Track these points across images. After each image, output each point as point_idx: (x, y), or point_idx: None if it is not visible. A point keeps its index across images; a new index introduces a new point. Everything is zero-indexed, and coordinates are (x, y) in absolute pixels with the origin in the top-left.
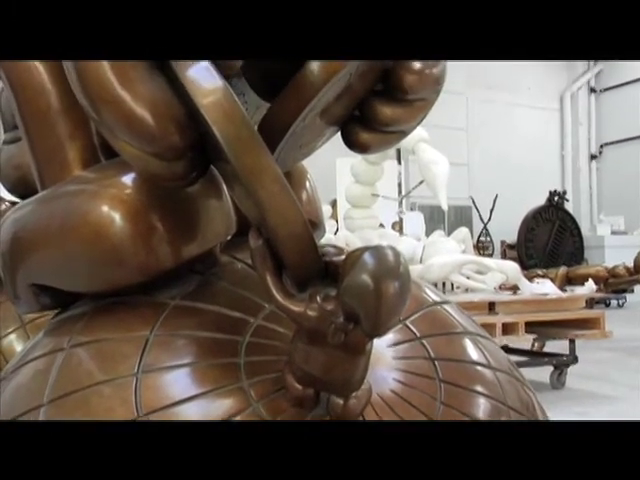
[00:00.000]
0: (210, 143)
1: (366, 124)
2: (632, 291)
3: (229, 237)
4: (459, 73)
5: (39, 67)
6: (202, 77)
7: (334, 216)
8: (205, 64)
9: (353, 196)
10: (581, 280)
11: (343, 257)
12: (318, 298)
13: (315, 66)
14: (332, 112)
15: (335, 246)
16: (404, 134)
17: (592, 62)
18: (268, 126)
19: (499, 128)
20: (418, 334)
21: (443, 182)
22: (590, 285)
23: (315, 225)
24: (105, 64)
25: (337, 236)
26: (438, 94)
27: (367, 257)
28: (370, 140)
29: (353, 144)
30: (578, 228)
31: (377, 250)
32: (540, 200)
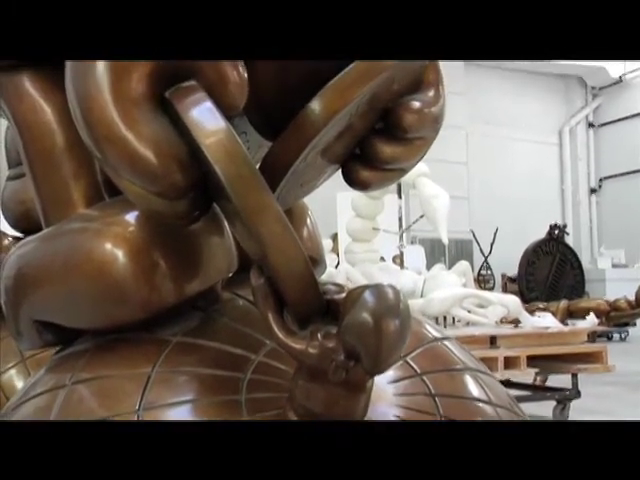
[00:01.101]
0: (212, 182)
1: (366, 162)
2: (634, 324)
3: (231, 274)
4: (459, 108)
5: (45, 107)
6: (205, 118)
7: (335, 250)
8: (208, 105)
9: (354, 230)
10: (582, 313)
11: (344, 295)
12: (319, 336)
13: (316, 106)
14: (333, 151)
15: (336, 284)
16: (404, 171)
17: (590, 97)
18: (270, 165)
19: (499, 162)
20: (419, 370)
21: (443, 216)
22: (592, 319)
23: (316, 261)
24: (111, 105)
25: (338, 270)
26: (437, 132)
27: (367, 295)
28: (370, 178)
29: (354, 182)
30: (579, 261)
31: (377, 288)
32: (540, 233)
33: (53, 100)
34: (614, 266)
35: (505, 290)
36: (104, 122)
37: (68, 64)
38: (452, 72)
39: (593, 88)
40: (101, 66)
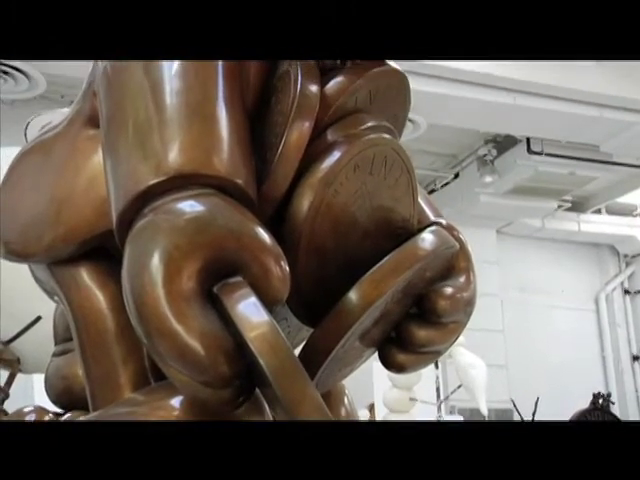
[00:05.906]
0: (256, 371)
1: (402, 345)
2: None
3: None
4: (492, 276)
5: (99, 295)
6: (250, 312)
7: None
8: (253, 300)
9: (391, 400)
10: None
11: None
12: None
13: (354, 296)
14: (370, 336)
15: None
16: (439, 354)
17: (623, 265)
18: (310, 351)
19: (536, 329)
20: None
21: (482, 385)
22: None
23: None
24: (163, 300)
25: None
26: (470, 316)
27: None
28: (406, 361)
29: (390, 365)
30: None
31: None
32: (584, 402)
33: (107, 289)
34: None
35: None
36: (156, 316)
37: (125, 258)
38: (484, 242)
39: (626, 256)
40: (156, 262)
